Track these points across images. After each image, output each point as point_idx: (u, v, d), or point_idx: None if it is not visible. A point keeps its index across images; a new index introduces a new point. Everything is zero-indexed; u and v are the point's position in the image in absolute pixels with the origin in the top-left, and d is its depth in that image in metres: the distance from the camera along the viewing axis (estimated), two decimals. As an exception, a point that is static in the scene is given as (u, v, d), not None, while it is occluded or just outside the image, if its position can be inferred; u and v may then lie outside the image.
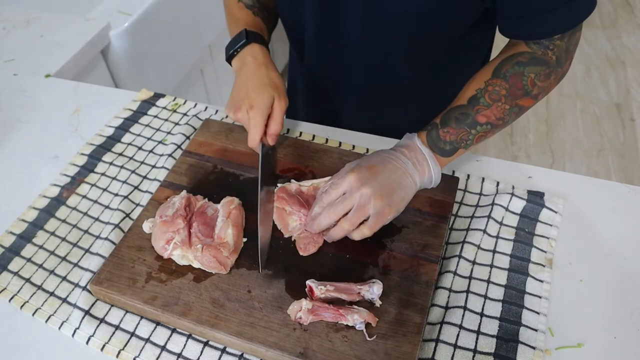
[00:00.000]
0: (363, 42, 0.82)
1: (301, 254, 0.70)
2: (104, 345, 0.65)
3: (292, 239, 0.72)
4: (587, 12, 0.67)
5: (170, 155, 0.87)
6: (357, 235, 0.67)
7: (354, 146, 0.87)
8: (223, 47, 0.85)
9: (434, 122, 0.72)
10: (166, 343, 0.65)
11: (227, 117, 0.94)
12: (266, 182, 0.75)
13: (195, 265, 0.69)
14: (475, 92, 0.70)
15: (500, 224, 0.75)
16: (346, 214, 0.66)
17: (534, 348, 0.63)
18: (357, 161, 0.70)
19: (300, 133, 0.90)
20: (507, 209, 0.76)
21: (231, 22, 0.89)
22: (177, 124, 0.94)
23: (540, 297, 0.67)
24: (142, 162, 0.88)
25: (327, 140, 0.89)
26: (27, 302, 0.70)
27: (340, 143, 0.88)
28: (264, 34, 0.86)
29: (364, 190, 0.65)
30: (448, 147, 0.71)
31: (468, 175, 0.82)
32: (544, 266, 0.70)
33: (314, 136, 0.90)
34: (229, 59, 0.83)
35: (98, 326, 0.67)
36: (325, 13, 0.81)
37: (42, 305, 0.70)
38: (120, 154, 0.89)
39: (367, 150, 0.86)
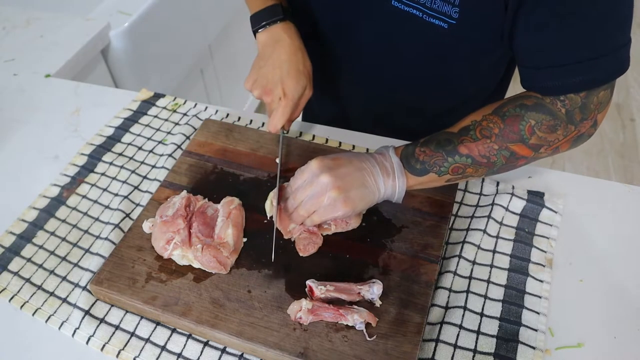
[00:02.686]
0: (376, 43, 0.80)
1: (301, 254, 0.70)
2: (104, 345, 0.65)
3: (292, 240, 0.72)
4: (613, 74, 0.60)
5: (170, 155, 0.87)
6: (307, 222, 0.68)
7: (354, 146, 0.87)
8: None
9: (419, 139, 0.69)
10: (166, 343, 0.65)
11: (227, 116, 0.94)
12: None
13: (195, 265, 0.69)
14: (470, 123, 0.66)
15: (500, 224, 0.75)
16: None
17: (534, 348, 0.63)
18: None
19: (300, 133, 0.90)
20: (507, 209, 0.76)
21: None
22: (177, 124, 0.94)
23: (540, 297, 0.67)
24: (142, 162, 0.88)
25: (327, 140, 0.89)
26: (27, 302, 0.70)
27: (340, 143, 0.88)
28: None
29: (322, 178, 0.65)
30: (419, 167, 0.67)
31: (468, 175, 0.82)
32: (544, 266, 0.70)
33: (313, 136, 0.90)
34: (257, 30, 0.80)
35: (98, 326, 0.67)
36: (339, 11, 0.79)
37: (42, 305, 0.70)
38: (120, 154, 0.89)
39: (367, 150, 0.86)
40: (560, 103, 0.62)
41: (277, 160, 0.77)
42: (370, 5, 0.73)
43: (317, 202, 0.65)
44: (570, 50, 0.59)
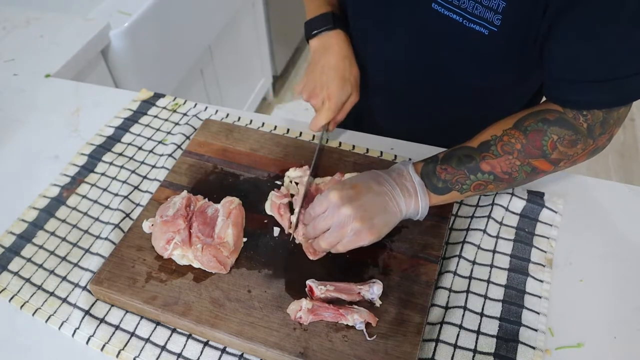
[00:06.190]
0: (413, 46, 0.79)
1: (311, 258, 0.70)
2: (104, 345, 0.65)
3: (293, 240, 0.72)
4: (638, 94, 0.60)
5: (170, 155, 0.87)
6: (332, 251, 0.67)
7: (353, 146, 0.87)
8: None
9: (437, 155, 0.69)
10: (166, 343, 0.65)
11: (227, 116, 0.94)
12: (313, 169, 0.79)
13: (195, 265, 0.69)
14: (490, 138, 0.65)
15: (500, 224, 0.75)
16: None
17: (534, 348, 0.63)
18: (347, 178, 0.69)
19: (301, 133, 0.90)
20: (507, 209, 0.76)
21: None
22: (177, 124, 0.94)
23: (540, 297, 0.67)
24: (142, 162, 0.88)
25: (327, 140, 0.89)
26: (27, 302, 0.70)
27: (340, 143, 0.88)
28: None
29: (344, 210, 0.63)
30: (441, 185, 0.67)
31: (468, 175, 0.81)
32: (544, 266, 0.70)
33: (313, 136, 0.90)
34: (309, 37, 0.85)
35: (98, 326, 0.67)
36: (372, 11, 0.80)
37: (42, 305, 0.70)
38: (120, 154, 0.89)
39: (367, 150, 0.86)
40: (582, 118, 0.62)
41: (313, 159, 0.80)
42: (411, 6, 0.73)
43: (340, 234, 0.64)
44: (607, 66, 0.59)
